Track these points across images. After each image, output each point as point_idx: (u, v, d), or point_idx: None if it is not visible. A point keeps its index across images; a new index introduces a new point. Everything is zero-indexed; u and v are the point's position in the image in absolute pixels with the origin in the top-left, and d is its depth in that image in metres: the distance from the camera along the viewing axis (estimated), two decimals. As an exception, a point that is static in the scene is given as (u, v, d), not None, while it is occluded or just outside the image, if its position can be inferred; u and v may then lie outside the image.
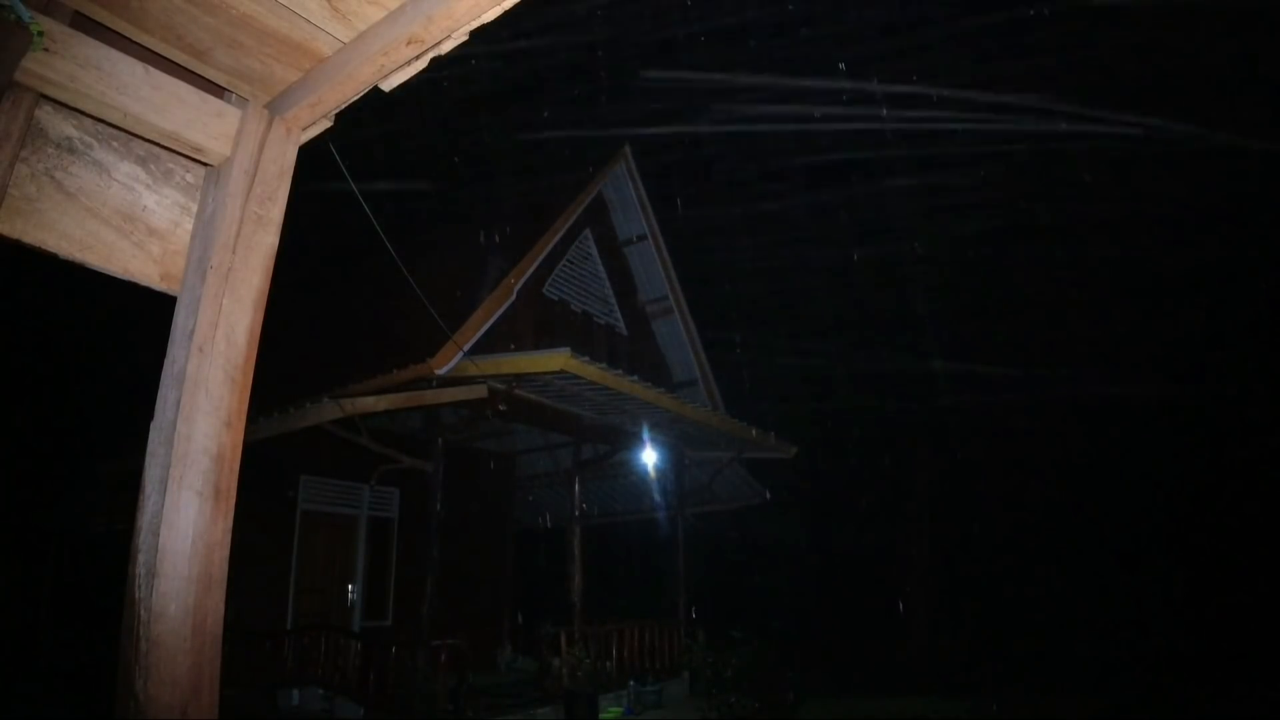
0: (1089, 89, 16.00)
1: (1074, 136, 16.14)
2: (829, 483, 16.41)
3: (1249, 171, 14.59)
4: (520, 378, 8.41)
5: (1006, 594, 14.58)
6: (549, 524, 13.90)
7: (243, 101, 1.81)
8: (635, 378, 8.85)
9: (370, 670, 7.66)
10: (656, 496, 12.17)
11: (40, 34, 1.43)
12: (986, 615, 14.42)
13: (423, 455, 9.20)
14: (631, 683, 9.20)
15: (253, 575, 9.07)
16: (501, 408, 8.66)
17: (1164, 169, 15.70)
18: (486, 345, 8.87)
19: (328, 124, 1.91)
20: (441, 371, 8.00)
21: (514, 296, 9.57)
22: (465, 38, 1.62)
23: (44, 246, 1.56)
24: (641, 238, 12.81)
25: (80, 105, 1.56)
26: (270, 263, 1.77)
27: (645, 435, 10.55)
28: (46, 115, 1.59)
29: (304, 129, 1.89)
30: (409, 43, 1.56)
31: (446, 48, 1.64)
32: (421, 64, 1.69)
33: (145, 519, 1.50)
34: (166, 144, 1.70)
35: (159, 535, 1.46)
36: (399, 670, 7.46)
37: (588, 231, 11.88)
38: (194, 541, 1.49)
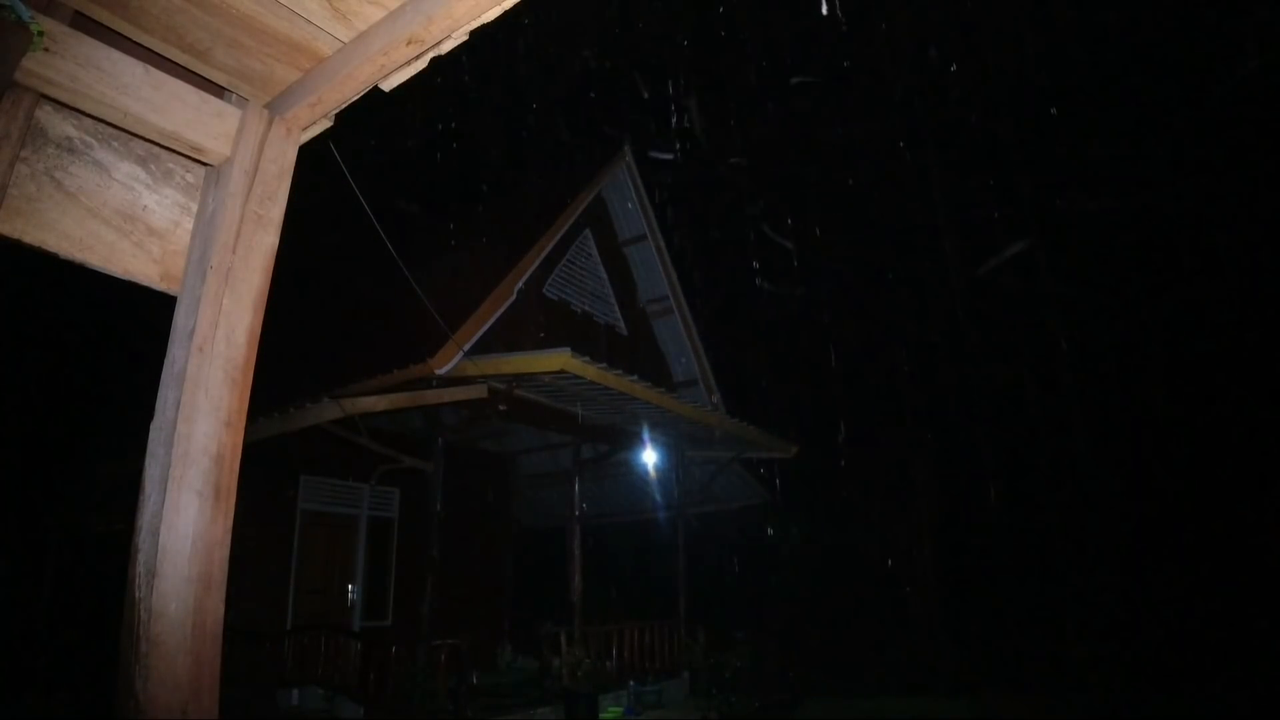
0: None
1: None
2: (829, 482, 16.42)
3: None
4: (520, 378, 8.40)
5: (1007, 594, 14.57)
6: (549, 524, 13.90)
7: (243, 101, 1.81)
8: (635, 378, 8.85)
9: (370, 670, 7.66)
10: (656, 496, 12.16)
11: (40, 34, 1.43)
12: (987, 615, 14.42)
13: (423, 455, 9.20)
14: (631, 683, 9.20)
15: (253, 575, 9.09)
16: (501, 408, 8.66)
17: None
18: (487, 345, 8.87)
19: (328, 124, 1.91)
20: (442, 371, 8.00)
21: (514, 296, 9.57)
22: (465, 38, 1.62)
23: (44, 246, 1.56)
24: (641, 238, 12.81)
25: (80, 105, 1.56)
26: (270, 263, 1.77)
27: (645, 435, 10.55)
28: (46, 115, 1.59)
29: (304, 129, 1.89)
30: (409, 43, 1.56)
31: (446, 48, 1.64)
32: (421, 64, 1.69)
33: (145, 519, 1.50)
34: (166, 144, 1.70)
35: (159, 535, 1.46)
36: (399, 670, 7.46)
37: (588, 231, 11.88)
38: (194, 541, 1.49)
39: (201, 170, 1.82)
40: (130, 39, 1.61)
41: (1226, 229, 15.18)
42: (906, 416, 16.86)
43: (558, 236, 10.69)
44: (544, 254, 10.34)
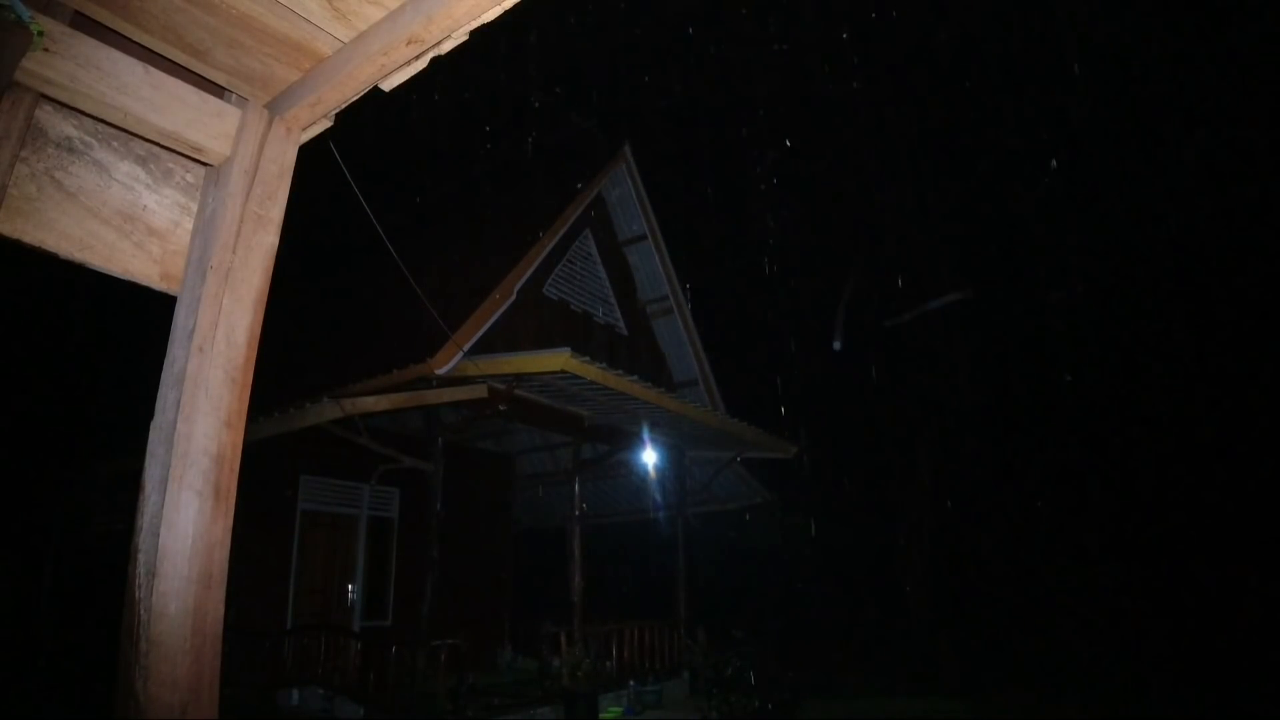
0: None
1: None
2: (829, 482, 16.43)
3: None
4: (520, 378, 8.40)
5: (1007, 594, 14.57)
6: (549, 524, 13.90)
7: (243, 101, 1.81)
8: (635, 378, 8.85)
9: (370, 670, 7.66)
10: (656, 496, 12.17)
11: (40, 34, 1.43)
12: (986, 615, 14.42)
13: (423, 455, 9.20)
14: (631, 683, 9.20)
15: (253, 575, 9.08)
16: (502, 408, 8.66)
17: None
18: (486, 345, 8.87)
19: (328, 124, 1.91)
20: (442, 371, 8.00)
21: (514, 296, 9.57)
22: (465, 37, 1.62)
23: (44, 246, 1.56)
24: (641, 237, 12.80)
25: (80, 105, 1.56)
26: (270, 263, 1.77)
27: (645, 435, 10.55)
28: (46, 115, 1.59)
29: (304, 129, 1.89)
30: (409, 42, 1.56)
31: (446, 47, 1.64)
32: (421, 64, 1.69)
33: (145, 519, 1.50)
34: (166, 144, 1.70)
35: (159, 535, 1.46)
36: (399, 670, 7.46)
37: (588, 231, 11.87)
38: (194, 541, 1.49)
39: (201, 170, 1.82)
40: (130, 39, 1.61)
41: (1224, 228, 15.20)
42: (905, 417, 16.86)
43: (558, 236, 10.68)
44: (544, 254, 10.33)
